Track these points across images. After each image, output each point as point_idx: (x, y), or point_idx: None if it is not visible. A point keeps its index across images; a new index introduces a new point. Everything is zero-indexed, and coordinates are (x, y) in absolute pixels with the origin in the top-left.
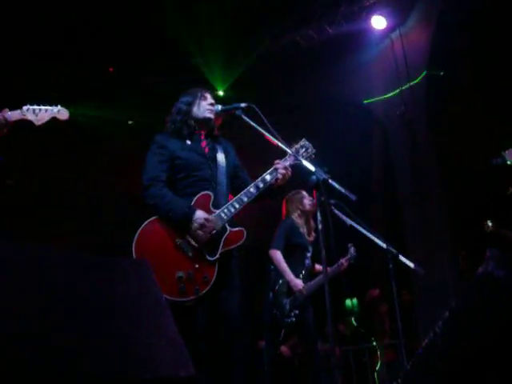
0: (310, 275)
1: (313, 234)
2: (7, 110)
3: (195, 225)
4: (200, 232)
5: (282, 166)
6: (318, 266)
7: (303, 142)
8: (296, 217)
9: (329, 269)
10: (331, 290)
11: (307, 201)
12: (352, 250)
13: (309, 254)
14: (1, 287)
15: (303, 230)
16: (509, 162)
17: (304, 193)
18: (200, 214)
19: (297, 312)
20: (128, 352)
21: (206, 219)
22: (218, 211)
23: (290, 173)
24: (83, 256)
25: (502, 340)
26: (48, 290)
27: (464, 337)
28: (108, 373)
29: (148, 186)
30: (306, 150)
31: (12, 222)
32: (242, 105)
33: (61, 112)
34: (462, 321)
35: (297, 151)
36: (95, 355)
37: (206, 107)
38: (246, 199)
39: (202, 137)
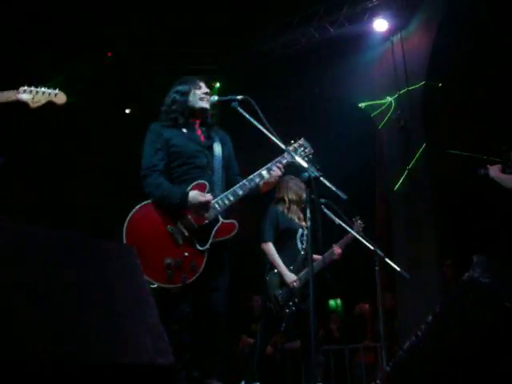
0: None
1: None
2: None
3: (193, 202)
4: (195, 215)
5: (277, 163)
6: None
7: (302, 141)
8: (291, 202)
9: (320, 257)
10: (316, 288)
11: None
12: (359, 222)
13: (302, 238)
14: None
15: (294, 215)
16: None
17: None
18: (195, 194)
19: (296, 300)
20: (105, 335)
21: (205, 202)
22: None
23: (281, 172)
24: (65, 234)
25: (485, 347)
26: (25, 267)
27: (446, 342)
28: (83, 354)
29: (145, 176)
30: (304, 149)
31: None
32: (239, 97)
33: (58, 95)
34: (445, 326)
35: (295, 150)
36: (70, 337)
37: (200, 96)
38: (240, 192)
39: (197, 125)
